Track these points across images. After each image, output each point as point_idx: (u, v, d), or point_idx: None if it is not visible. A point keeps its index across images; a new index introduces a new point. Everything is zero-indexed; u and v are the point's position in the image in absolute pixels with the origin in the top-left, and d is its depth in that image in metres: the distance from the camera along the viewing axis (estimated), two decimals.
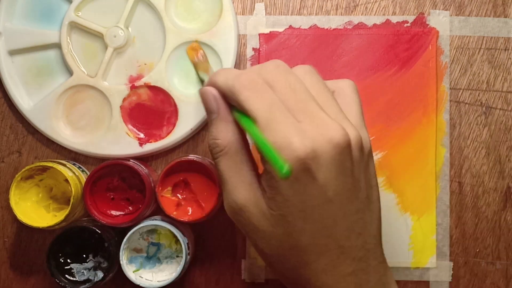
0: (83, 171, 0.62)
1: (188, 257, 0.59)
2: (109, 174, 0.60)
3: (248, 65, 0.64)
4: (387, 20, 0.64)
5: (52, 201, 0.62)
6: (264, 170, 0.44)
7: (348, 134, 0.42)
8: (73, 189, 0.58)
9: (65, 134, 0.63)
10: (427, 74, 0.63)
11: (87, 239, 0.60)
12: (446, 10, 0.64)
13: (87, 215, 0.62)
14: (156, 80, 0.62)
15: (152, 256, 0.61)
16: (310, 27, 0.64)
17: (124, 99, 0.62)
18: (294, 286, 0.45)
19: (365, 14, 0.64)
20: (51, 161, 0.60)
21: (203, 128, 0.64)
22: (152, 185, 0.59)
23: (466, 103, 0.64)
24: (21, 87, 0.63)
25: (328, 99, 0.44)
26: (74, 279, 0.59)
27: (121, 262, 0.58)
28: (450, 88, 0.64)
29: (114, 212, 0.60)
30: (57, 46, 0.63)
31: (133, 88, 0.62)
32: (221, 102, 0.45)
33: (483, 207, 0.63)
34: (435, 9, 0.64)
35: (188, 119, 0.62)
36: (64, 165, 0.60)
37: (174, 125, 0.62)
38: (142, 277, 0.59)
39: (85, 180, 0.59)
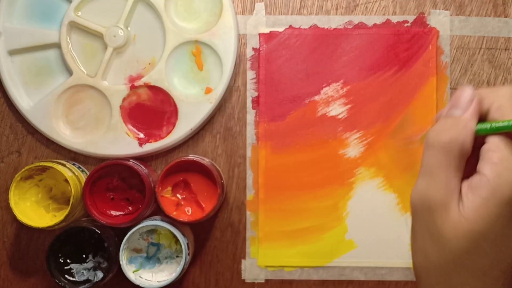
0: (82, 171, 0.62)
1: (188, 257, 0.59)
2: (108, 174, 0.60)
3: (248, 64, 0.64)
4: (387, 20, 0.64)
5: (51, 201, 0.62)
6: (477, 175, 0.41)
7: None
8: (72, 189, 0.58)
9: (65, 134, 0.63)
10: (427, 74, 0.63)
11: (87, 239, 0.60)
12: (447, 10, 0.64)
13: (87, 215, 0.62)
14: (156, 80, 0.62)
15: (152, 256, 0.61)
16: (310, 27, 0.64)
17: (123, 99, 0.62)
18: None
19: (365, 14, 0.64)
20: (51, 161, 0.60)
21: (203, 128, 0.64)
22: (152, 185, 0.59)
23: None
24: (20, 87, 0.63)
25: None
26: (74, 279, 0.59)
27: (121, 262, 0.58)
28: (450, 88, 0.64)
29: (114, 212, 0.60)
30: (57, 46, 0.63)
31: (132, 88, 0.62)
32: (476, 107, 0.41)
33: None
34: (435, 9, 0.64)
35: (188, 119, 0.62)
36: (64, 165, 0.60)
37: (174, 125, 0.62)
38: (142, 277, 0.59)
39: (84, 180, 0.59)
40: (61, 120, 0.63)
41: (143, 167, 0.60)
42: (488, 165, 0.39)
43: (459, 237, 0.39)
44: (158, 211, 0.61)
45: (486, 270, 0.40)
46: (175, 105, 0.62)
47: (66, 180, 0.58)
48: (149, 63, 0.63)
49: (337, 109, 0.63)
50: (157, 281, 0.59)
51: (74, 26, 0.63)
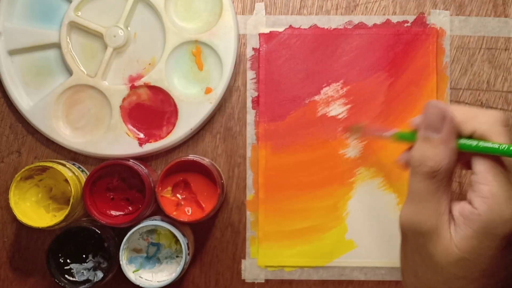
0: (82, 171, 0.62)
1: (188, 257, 0.59)
2: (108, 174, 0.60)
3: (248, 64, 0.64)
4: (387, 20, 0.64)
5: (51, 201, 0.62)
6: (468, 202, 0.41)
7: None
8: (72, 189, 0.58)
9: (65, 134, 0.63)
10: (427, 74, 0.63)
11: (87, 239, 0.60)
12: (447, 10, 0.64)
13: (87, 215, 0.62)
14: (156, 80, 0.62)
15: (152, 256, 0.61)
16: (310, 27, 0.64)
17: (123, 99, 0.62)
18: None
19: (365, 14, 0.64)
20: (51, 161, 0.60)
21: (203, 128, 0.64)
22: (152, 185, 0.59)
23: (466, 103, 0.64)
24: (20, 87, 0.63)
25: None
26: (74, 279, 0.59)
27: (121, 262, 0.58)
28: (450, 88, 0.64)
29: (114, 212, 0.60)
30: (57, 46, 0.63)
31: (132, 88, 0.62)
32: (451, 125, 0.41)
33: None
34: (435, 9, 0.64)
35: (188, 119, 0.62)
36: (64, 165, 0.60)
37: (174, 125, 0.62)
38: (142, 277, 0.59)
39: (84, 180, 0.59)
40: (61, 120, 0.63)
41: (143, 167, 0.60)
42: (479, 198, 0.39)
43: (451, 263, 0.40)
44: (158, 211, 0.61)
45: None
46: (175, 105, 0.62)
47: (66, 180, 0.58)
48: (149, 63, 0.63)
49: (337, 109, 0.63)
50: (157, 281, 0.59)
51: (74, 26, 0.63)
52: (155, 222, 0.59)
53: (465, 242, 0.40)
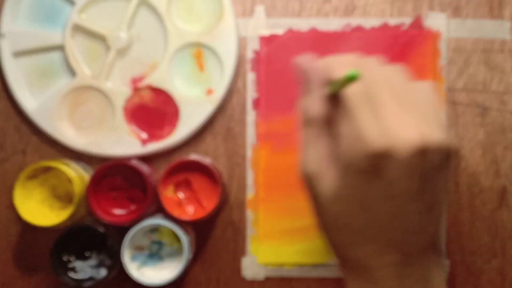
0: (86, 171, 0.63)
1: (190, 255, 0.60)
2: (112, 173, 0.61)
3: (249, 66, 0.64)
4: (385, 22, 0.64)
5: (56, 200, 0.62)
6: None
7: (428, 138, 0.41)
8: (76, 188, 0.59)
9: (69, 135, 0.63)
10: (424, 75, 0.64)
11: (90, 237, 0.61)
12: (443, 12, 0.65)
13: (91, 214, 0.63)
14: (158, 82, 0.63)
15: (154, 254, 0.61)
16: (309, 29, 0.64)
17: (126, 100, 0.63)
18: (341, 257, 0.47)
19: (363, 17, 0.65)
20: (55, 161, 0.61)
21: (204, 128, 0.64)
22: (154, 184, 0.60)
23: (462, 104, 0.64)
24: (25, 88, 0.64)
25: (415, 101, 0.43)
26: (78, 277, 0.60)
27: (123, 260, 0.59)
28: (447, 90, 0.64)
29: (116, 211, 0.61)
30: (61, 47, 0.64)
31: (135, 89, 0.63)
32: (318, 76, 0.46)
33: (479, 206, 0.64)
34: (432, 11, 0.65)
35: (189, 120, 0.63)
36: (68, 165, 0.61)
37: (175, 125, 0.63)
38: (144, 275, 0.60)
39: (88, 179, 0.60)
40: (65, 121, 0.64)
41: (145, 167, 0.61)
42: (339, 138, 0.43)
43: (333, 202, 0.44)
44: (160, 210, 0.62)
45: (361, 229, 0.44)
46: (176, 106, 0.63)
47: (70, 180, 0.59)
48: (151, 65, 0.63)
49: None
50: (160, 278, 0.59)
51: (78, 29, 0.63)
52: (157, 220, 0.59)
53: (337, 181, 0.43)
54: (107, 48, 0.63)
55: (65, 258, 0.60)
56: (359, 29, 0.64)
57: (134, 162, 0.60)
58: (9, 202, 0.64)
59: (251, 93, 0.64)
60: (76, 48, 0.64)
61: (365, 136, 0.41)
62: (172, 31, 0.63)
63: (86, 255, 0.61)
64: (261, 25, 0.65)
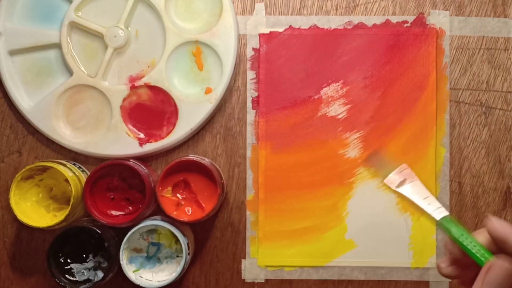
0: (83, 171, 0.62)
1: (188, 257, 0.59)
2: (109, 174, 0.60)
3: (248, 65, 0.64)
4: (387, 20, 0.64)
5: (52, 201, 0.62)
6: None
7: None
8: (73, 189, 0.58)
9: (65, 134, 0.63)
10: (427, 74, 0.63)
11: (87, 239, 0.60)
12: (446, 10, 0.64)
13: (87, 215, 0.62)
14: (156, 80, 0.62)
15: (152, 256, 0.61)
16: (310, 27, 0.64)
17: (124, 99, 0.62)
18: None
19: (365, 14, 0.64)
20: (51, 161, 0.60)
21: (203, 128, 0.64)
22: (152, 185, 0.59)
23: (466, 103, 0.64)
24: (21, 87, 0.64)
25: None
26: (74, 279, 0.59)
27: (121, 262, 0.58)
28: (450, 88, 0.64)
29: (114, 212, 0.61)
30: (57, 46, 0.63)
31: (133, 88, 0.62)
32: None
33: (483, 207, 0.63)
34: (435, 9, 0.64)
35: (188, 119, 0.62)
36: (64, 165, 0.60)
37: (174, 125, 0.62)
38: (142, 277, 0.59)
39: (85, 180, 0.60)
40: (61, 120, 0.63)
41: (143, 167, 0.60)
42: None
43: None
44: (159, 211, 0.61)
45: None
46: (175, 105, 0.62)
47: (67, 180, 0.58)
48: (149, 63, 0.63)
49: (337, 109, 0.64)
50: (157, 281, 0.59)
51: (75, 27, 0.63)
52: (156, 222, 0.59)
53: None
54: (105, 46, 0.62)
55: (61, 260, 0.59)
56: (360, 27, 0.64)
57: (132, 162, 0.60)
58: (4, 203, 0.64)
59: (250, 91, 0.64)
60: (73, 46, 0.63)
61: None
62: (171, 29, 0.62)
63: (83, 256, 0.60)
64: (261, 22, 0.64)
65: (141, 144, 0.62)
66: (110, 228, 0.60)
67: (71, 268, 0.60)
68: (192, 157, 0.61)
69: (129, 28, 0.63)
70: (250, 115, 0.64)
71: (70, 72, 0.63)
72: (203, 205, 0.60)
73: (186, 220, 0.59)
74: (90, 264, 0.60)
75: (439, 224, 0.43)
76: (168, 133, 0.62)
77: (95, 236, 0.59)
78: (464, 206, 0.63)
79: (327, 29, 0.64)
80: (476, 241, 0.41)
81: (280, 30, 0.64)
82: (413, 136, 0.63)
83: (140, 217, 0.59)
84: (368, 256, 0.63)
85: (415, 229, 0.63)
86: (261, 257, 0.63)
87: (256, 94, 0.64)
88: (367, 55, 0.64)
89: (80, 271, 0.60)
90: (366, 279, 0.64)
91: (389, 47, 0.63)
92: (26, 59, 0.64)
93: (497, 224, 0.41)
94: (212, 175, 0.59)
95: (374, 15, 0.64)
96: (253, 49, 0.64)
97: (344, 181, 0.63)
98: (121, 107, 0.62)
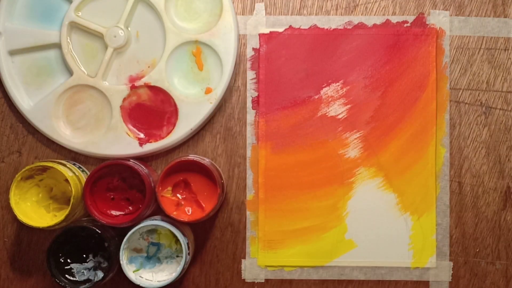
0: (83, 171, 0.62)
1: (188, 257, 0.59)
2: (109, 174, 0.60)
3: (248, 65, 0.64)
4: (387, 20, 0.64)
5: (52, 201, 0.62)
6: None
7: None
8: (73, 189, 0.58)
9: (65, 134, 0.63)
10: (427, 74, 0.63)
11: (87, 239, 0.60)
12: (446, 10, 0.64)
13: (87, 215, 0.62)
14: (156, 80, 0.62)
15: (152, 256, 0.61)
16: (310, 27, 0.64)
17: (124, 99, 0.62)
18: None
19: (365, 14, 0.64)
20: (51, 161, 0.60)
21: (203, 128, 0.64)
22: (152, 185, 0.59)
23: (466, 103, 0.64)
24: (21, 87, 0.63)
25: None
26: (74, 279, 0.59)
27: (121, 262, 0.58)
28: (450, 88, 0.64)
29: (114, 212, 0.60)
30: (57, 46, 0.63)
31: (133, 88, 0.62)
32: None
33: (483, 207, 0.63)
34: (435, 9, 0.64)
35: (188, 119, 0.62)
36: (64, 165, 0.60)
37: (174, 125, 0.62)
38: (142, 277, 0.59)
39: (85, 180, 0.59)
40: (61, 120, 0.63)
41: (143, 167, 0.60)
42: None
43: None
44: (158, 211, 0.61)
45: None
46: (175, 105, 0.62)
47: (67, 180, 0.58)
48: (149, 63, 0.63)
49: (337, 109, 0.64)
50: (157, 281, 0.59)
51: (75, 26, 0.63)
52: (155, 222, 0.59)
53: None
54: (105, 46, 0.62)
55: (61, 260, 0.59)
56: (360, 27, 0.64)
57: (132, 162, 0.60)
58: (4, 203, 0.64)
59: (250, 91, 0.64)
60: (73, 46, 0.63)
61: None
62: (171, 29, 0.62)
63: (83, 256, 0.60)
64: (261, 22, 0.64)
65: (141, 144, 0.62)
66: (110, 228, 0.60)
67: (71, 268, 0.60)
68: (192, 157, 0.61)
69: (129, 28, 0.63)
70: (250, 115, 0.64)
71: (70, 72, 0.63)
72: (203, 205, 0.60)
73: (186, 220, 0.59)
74: (90, 264, 0.60)
75: None
76: (168, 133, 0.62)
77: (95, 236, 0.59)
78: (464, 206, 0.63)
79: (327, 29, 0.64)
80: None
81: (280, 30, 0.64)
82: (413, 136, 0.63)
83: (140, 217, 0.59)
84: (368, 256, 0.63)
85: (415, 229, 0.63)
86: (261, 257, 0.63)
87: (256, 94, 0.64)
88: (367, 55, 0.64)
89: (80, 271, 0.60)
90: (366, 279, 0.64)
91: (389, 47, 0.63)
92: (26, 59, 0.64)
93: None
94: (212, 175, 0.59)
95: (374, 15, 0.64)
96: (253, 49, 0.64)
97: (344, 181, 0.63)
98: (121, 107, 0.62)
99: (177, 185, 0.60)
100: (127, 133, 0.62)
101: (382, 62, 0.64)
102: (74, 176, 0.59)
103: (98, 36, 0.63)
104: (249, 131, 0.64)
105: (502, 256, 0.63)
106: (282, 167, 0.63)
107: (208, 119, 0.63)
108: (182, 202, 0.60)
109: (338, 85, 0.64)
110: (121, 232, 0.60)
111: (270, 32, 0.64)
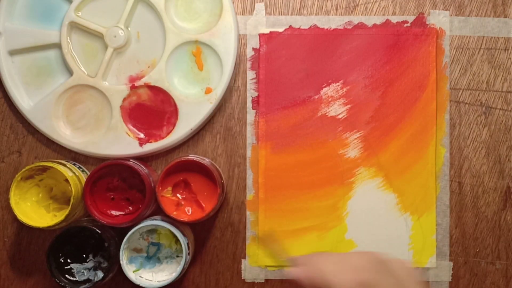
0: (83, 171, 0.62)
1: (188, 257, 0.59)
2: (109, 174, 0.60)
3: (248, 65, 0.64)
4: (387, 20, 0.64)
5: (52, 201, 0.62)
6: None
7: None
8: (73, 189, 0.58)
9: (65, 134, 0.63)
10: (427, 74, 0.63)
11: (87, 239, 0.60)
12: (446, 10, 0.64)
13: (87, 215, 0.62)
14: (156, 80, 0.62)
15: (152, 256, 0.61)
16: (310, 27, 0.64)
17: (124, 99, 0.62)
18: None
19: (365, 14, 0.64)
20: (51, 161, 0.60)
21: (203, 128, 0.64)
22: (152, 185, 0.59)
23: (466, 103, 0.64)
24: (21, 87, 0.63)
25: None
26: (74, 279, 0.59)
27: (121, 262, 0.58)
28: (450, 88, 0.64)
29: (114, 212, 0.60)
30: (57, 46, 0.63)
31: (133, 88, 0.62)
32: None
33: (483, 207, 0.63)
34: (435, 9, 0.64)
35: (188, 119, 0.62)
36: (64, 165, 0.60)
37: (174, 125, 0.62)
38: (142, 277, 0.59)
39: (85, 180, 0.59)
40: (61, 120, 0.63)
41: (143, 167, 0.60)
42: None
43: None
44: (158, 211, 0.61)
45: None
46: (175, 105, 0.62)
47: (67, 180, 0.58)
48: (149, 63, 0.63)
49: (337, 109, 0.64)
50: (157, 281, 0.59)
51: (75, 26, 0.63)
52: (155, 222, 0.59)
53: None
54: (105, 46, 0.62)
55: (61, 260, 0.59)
56: (360, 27, 0.64)
57: (132, 162, 0.60)
58: (5, 203, 0.64)
59: (250, 91, 0.64)
60: (73, 46, 0.63)
61: None
62: (171, 29, 0.62)
63: (83, 256, 0.60)
64: (261, 22, 0.64)
65: (141, 144, 0.62)
66: (110, 228, 0.60)
67: (71, 268, 0.60)
68: (192, 157, 0.61)
69: (129, 28, 0.63)
70: (250, 115, 0.64)
71: (70, 72, 0.63)
72: (203, 205, 0.60)
73: (186, 220, 0.59)
74: (90, 264, 0.60)
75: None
76: (168, 133, 0.62)
77: (95, 236, 0.59)
78: (464, 206, 0.63)
79: (327, 29, 0.64)
80: None
81: (280, 30, 0.64)
82: (413, 136, 0.63)
83: (140, 217, 0.59)
84: None
85: (415, 229, 0.63)
86: (261, 257, 0.63)
87: (256, 94, 0.64)
88: (367, 55, 0.64)
89: (80, 271, 0.60)
90: None
91: (389, 47, 0.63)
92: (26, 59, 0.63)
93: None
94: (212, 175, 0.59)
95: (374, 15, 0.64)
96: (253, 49, 0.64)
97: (344, 181, 0.63)
98: (121, 107, 0.62)
99: (177, 185, 0.60)
100: (127, 133, 0.62)
101: (382, 62, 0.64)
102: (74, 176, 0.59)
103: (98, 36, 0.63)
104: (249, 131, 0.64)
105: (502, 256, 0.63)
106: (282, 167, 0.63)
107: (208, 119, 0.63)
108: (182, 202, 0.60)
109: (338, 85, 0.64)
110: (121, 232, 0.60)
111: (270, 32, 0.64)
